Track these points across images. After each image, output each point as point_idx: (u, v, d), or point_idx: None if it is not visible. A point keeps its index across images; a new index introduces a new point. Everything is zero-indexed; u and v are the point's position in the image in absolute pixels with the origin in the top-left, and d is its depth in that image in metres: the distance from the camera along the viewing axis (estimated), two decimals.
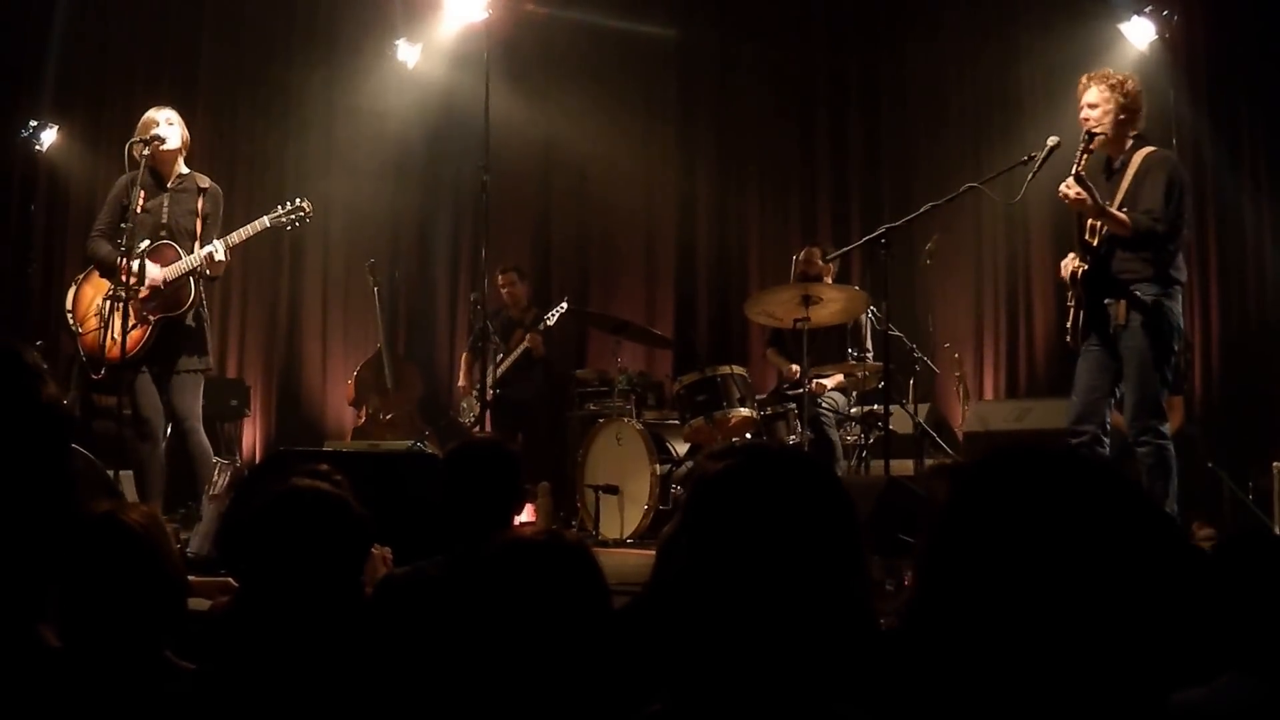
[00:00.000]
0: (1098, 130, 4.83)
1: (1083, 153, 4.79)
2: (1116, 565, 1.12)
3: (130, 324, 5.28)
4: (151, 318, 5.33)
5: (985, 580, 1.14)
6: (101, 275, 5.47)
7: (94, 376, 5.40)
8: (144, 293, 5.28)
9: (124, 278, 5.20)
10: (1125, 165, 4.84)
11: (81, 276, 5.68)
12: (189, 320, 5.40)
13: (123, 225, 5.30)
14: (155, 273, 5.33)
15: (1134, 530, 1.14)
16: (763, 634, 1.37)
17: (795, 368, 6.50)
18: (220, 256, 5.30)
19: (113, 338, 5.22)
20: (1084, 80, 4.94)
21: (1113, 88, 4.83)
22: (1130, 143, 4.87)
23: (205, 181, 5.52)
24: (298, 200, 5.59)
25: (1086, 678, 1.11)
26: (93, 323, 5.39)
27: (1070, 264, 4.94)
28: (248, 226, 5.45)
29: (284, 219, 5.54)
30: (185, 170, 5.53)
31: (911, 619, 1.21)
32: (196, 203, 5.46)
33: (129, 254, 5.23)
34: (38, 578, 1.48)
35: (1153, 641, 1.12)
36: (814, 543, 1.40)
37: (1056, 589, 1.11)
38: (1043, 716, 1.12)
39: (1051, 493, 1.16)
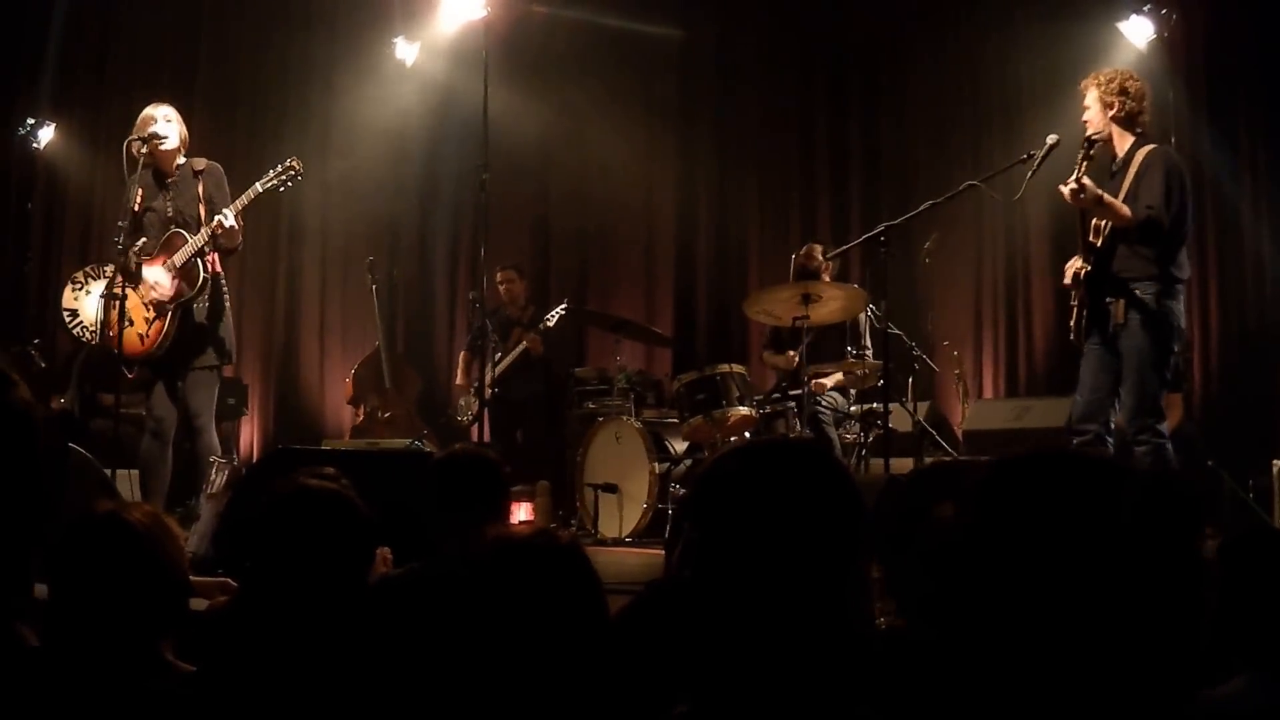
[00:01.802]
0: (1092, 132, 4.86)
1: (1083, 158, 4.80)
2: (1131, 563, 1.11)
3: (149, 317, 5.30)
4: (169, 307, 5.32)
5: (1003, 583, 1.13)
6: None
7: (129, 376, 5.39)
8: (156, 294, 5.29)
9: (117, 275, 5.21)
10: (1127, 164, 4.85)
11: (86, 280, 5.68)
12: (201, 315, 5.38)
13: (120, 224, 5.30)
14: (154, 273, 5.33)
15: (1145, 526, 1.13)
16: (778, 623, 1.36)
17: (791, 353, 6.48)
18: (230, 223, 5.24)
19: (140, 335, 5.26)
20: (1082, 85, 4.98)
21: (1098, 85, 4.88)
22: (1131, 141, 4.88)
23: (201, 164, 5.49)
24: (288, 161, 5.49)
25: (1106, 677, 1.10)
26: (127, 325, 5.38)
27: (1074, 266, 4.94)
28: (241, 197, 5.37)
29: (275, 181, 5.44)
30: (183, 160, 5.52)
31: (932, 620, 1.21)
32: (196, 188, 5.44)
33: (125, 252, 5.23)
34: (14, 578, 1.47)
35: (1173, 640, 1.11)
36: (816, 525, 1.40)
37: (1073, 589, 1.10)
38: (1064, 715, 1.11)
39: (1064, 495, 1.15)
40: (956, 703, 1.14)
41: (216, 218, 5.26)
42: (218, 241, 5.32)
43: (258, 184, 5.44)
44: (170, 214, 5.41)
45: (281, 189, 5.51)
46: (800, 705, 1.34)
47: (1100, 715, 1.10)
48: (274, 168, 5.48)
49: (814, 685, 1.35)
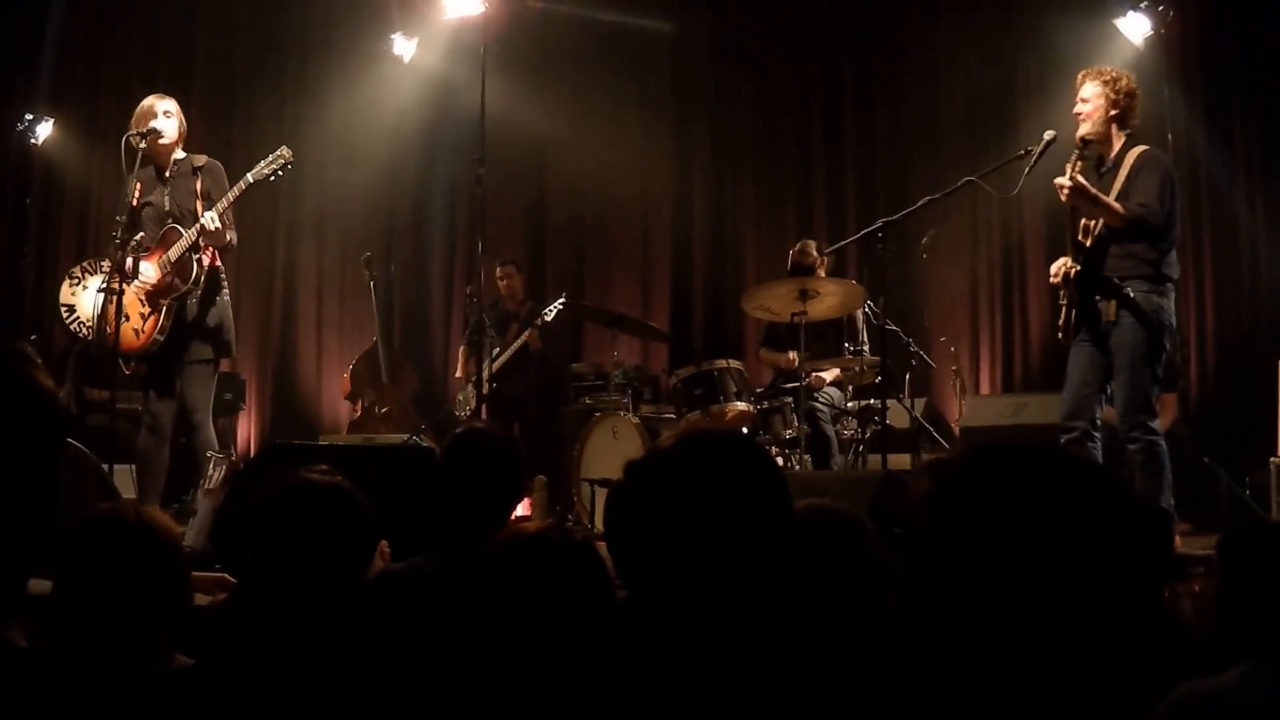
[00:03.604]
0: (1090, 128, 4.86)
1: (1077, 158, 4.81)
2: (1098, 563, 1.11)
3: (145, 312, 5.29)
4: (163, 301, 5.32)
5: (969, 578, 1.14)
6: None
7: (126, 372, 5.38)
8: (150, 286, 5.28)
9: (116, 271, 5.20)
10: (1118, 164, 4.85)
11: (83, 275, 5.68)
12: (199, 309, 5.37)
13: (117, 219, 5.29)
14: (149, 268, 5.33)
15: (1116, 528, 1.13)
16: (716, 625, 1.38)
17: (792, 354, 6.49)
18: (213, 226, 5.20)
19: (136, 330, 5.25)
20: (1081, 75, 4.98)
21: (1105, 83, 4.86)
22: (1123, 141, 4.89)
23: (201, 160, 5.48)
24: (278, 150, 5.45)
25: (1070, 675, 1.10)
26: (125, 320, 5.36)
27: (1062, 267, 4.94)
28: (232, 189, 5.34)
29: (266, 171, 5.39)
30: (182, 154, 5.51)
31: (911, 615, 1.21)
32: (195, 183, 5.43)
33: (123, 248, 5.22)
34: (11, 576, 1.46)
35: (1137, 641, 1.11)
36: (737, 519, 1.42)
37: (1039, 587, 1.10)
38: (1030, 712, 1.12)
39: (1032, 491, 1.15)
40: (934, 689, 1.15)
41: (200, 220, 5.24)
42: (203, 243, 5.31)
43: (249, 175, 5.41)
44: (167, 208, 5.41)
45: (273, 178, 5.46)
46: (758, 697, 1.35)
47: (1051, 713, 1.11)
48: (264, 158, 5.46)
49: (768, 677, 1.36)
